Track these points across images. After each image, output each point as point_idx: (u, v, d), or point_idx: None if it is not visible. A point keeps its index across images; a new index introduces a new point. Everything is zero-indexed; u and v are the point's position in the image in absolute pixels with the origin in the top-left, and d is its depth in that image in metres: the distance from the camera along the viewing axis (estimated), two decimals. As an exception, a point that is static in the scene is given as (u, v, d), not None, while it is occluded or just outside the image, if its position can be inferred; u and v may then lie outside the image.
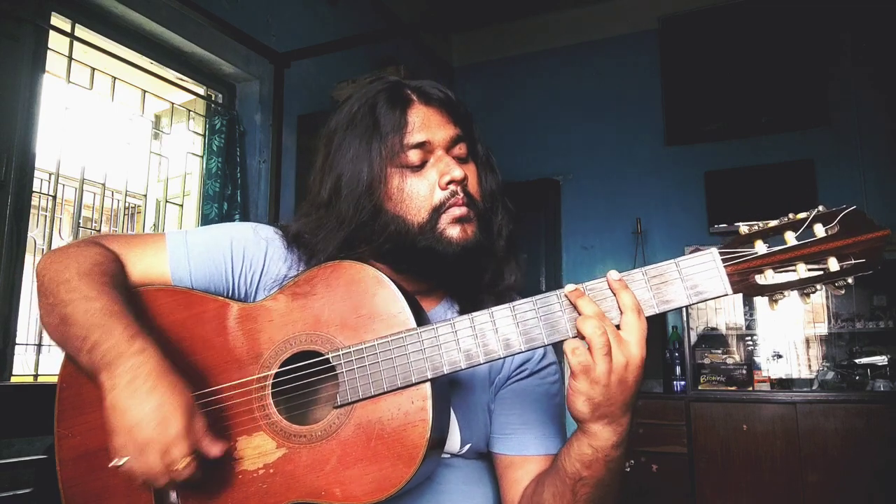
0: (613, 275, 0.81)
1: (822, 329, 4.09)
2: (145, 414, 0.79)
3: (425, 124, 0.96)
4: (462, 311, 0.99)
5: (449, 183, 0.94)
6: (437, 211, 0.94)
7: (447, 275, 0.99)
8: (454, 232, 0.94)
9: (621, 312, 0.79)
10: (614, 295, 0.80)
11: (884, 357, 3.81)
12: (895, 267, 3.86)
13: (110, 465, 0.82)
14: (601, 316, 0.78)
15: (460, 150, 0.98)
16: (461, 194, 0.95)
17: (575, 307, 0.80)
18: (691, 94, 4.65)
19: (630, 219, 4.61)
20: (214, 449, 0.83)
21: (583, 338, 0.78)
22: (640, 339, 0.78)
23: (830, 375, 3.94)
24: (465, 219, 0.94)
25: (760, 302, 4.30)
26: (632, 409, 0.81)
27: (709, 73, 4.61)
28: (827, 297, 4.11)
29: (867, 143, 4.20)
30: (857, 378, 3.85)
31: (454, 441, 0.98)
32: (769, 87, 4.44)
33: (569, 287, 0.82)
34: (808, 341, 4.20)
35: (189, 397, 0.83)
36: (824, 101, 4.29)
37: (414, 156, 0.95)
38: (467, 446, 0.99)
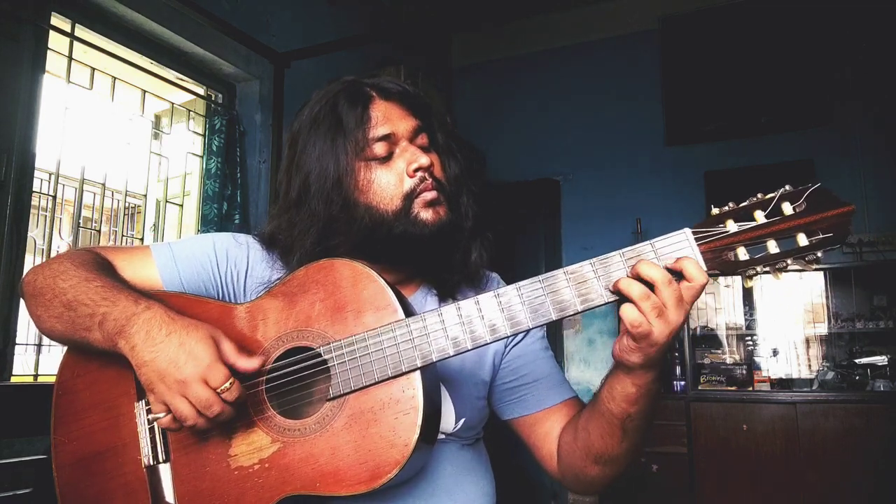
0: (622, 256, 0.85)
1: (822, 329, 4.09)
2: (170, 357, 0.82)
3: (387, 118, 1.00)
4: (440, 295, 1.04)
5: (416, 170, 0.98)
6: (409, 198, 0.98)
7: (423, 259, 1.02)
8: (427, 215, 0.98)
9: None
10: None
11: (884, 357, 3.81)
12: (895, 267, 3.91)
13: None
14: (664, 281, 0.79)
15: (422, 139, 1.03)
16: (429, 179, 0.99)
17: (636, 272, 0.81)
18: (691, 94, 4.65)
19: (630, 219, 4.60)
20: (250, 364, 0.86)
21: (627, 298, 0.80)
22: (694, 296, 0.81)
23: (830, 375, 3.94)
24: (435, 202, 0.99)
25: (760, 301, 4.30)
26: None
27: (709, 73, 4.62)
28: (827, 297, 4.11)
29: (867, 143, 4.21)
30: (857, 378, 3.85)
31: (449, 418, 1.00)
32: (769, 86, 4.44)
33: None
34: (808, 341, 4.20)
35: (208, 327, 0.86)
36: (824, 101, 4.29)
37: (380, 148, 0.98)
38: (462, 421, 1.02)
